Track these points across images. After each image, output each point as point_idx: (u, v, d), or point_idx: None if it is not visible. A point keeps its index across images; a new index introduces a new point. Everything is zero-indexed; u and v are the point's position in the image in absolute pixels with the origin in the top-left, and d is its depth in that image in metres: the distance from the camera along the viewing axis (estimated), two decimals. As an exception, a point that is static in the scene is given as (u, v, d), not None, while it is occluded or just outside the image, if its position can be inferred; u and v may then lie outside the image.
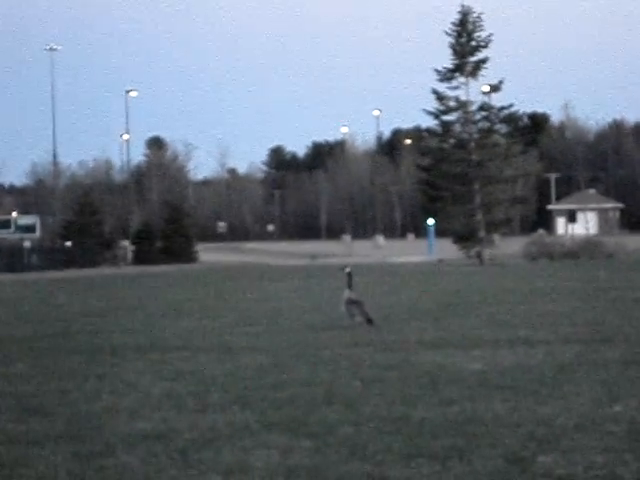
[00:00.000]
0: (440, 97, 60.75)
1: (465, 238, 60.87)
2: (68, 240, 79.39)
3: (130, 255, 79.94)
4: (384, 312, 19.20)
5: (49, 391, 10.69)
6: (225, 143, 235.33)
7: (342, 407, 9.11)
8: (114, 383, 11.14)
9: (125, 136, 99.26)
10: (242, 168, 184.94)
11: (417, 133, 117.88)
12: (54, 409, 9.55)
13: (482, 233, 59.81)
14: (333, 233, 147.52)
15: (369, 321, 16.30)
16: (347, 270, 17.08)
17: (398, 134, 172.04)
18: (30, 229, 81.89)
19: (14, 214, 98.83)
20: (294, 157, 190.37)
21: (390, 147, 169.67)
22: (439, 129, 62.94)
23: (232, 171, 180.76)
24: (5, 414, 9.37)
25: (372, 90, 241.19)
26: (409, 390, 9.96)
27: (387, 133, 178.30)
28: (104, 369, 12.41)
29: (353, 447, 7.50)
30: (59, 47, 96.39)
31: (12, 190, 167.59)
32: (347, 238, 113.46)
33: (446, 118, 61.75)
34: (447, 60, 60.85)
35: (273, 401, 9.55)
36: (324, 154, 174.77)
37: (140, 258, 77.99)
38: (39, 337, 17.13)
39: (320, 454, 7.36)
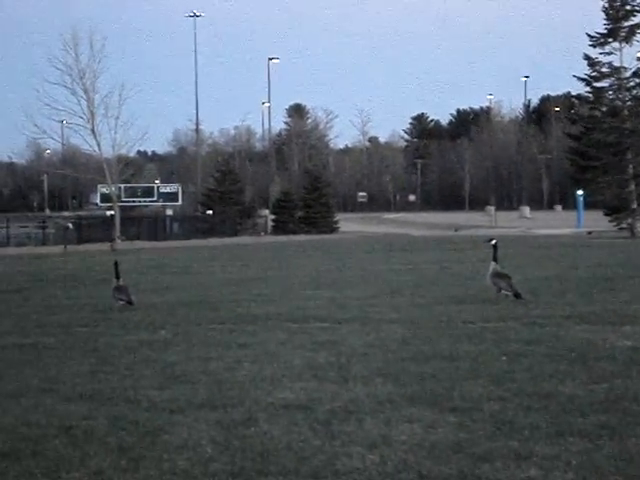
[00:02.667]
0: (592, 63, 58.94)
1: (616, 210, 59.21)
2: (209, 208, 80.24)
3: (270, 224, 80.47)
4: (531, 285, 18.79)
5: (192, 359, 10.82)
6: (366, 111, 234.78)
7: (487, 382, 8.92)
8: (255, 352, 11.20)
9: (266, 104, 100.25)
10: (383, 136, 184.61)
11: (567, 100, 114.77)
12: (197, 377, 9.64)
13: (635, 205, 58.07)
14: (476, 204, 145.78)
15: (516, 295, 15.93)
16: (493, 242, 16.71)
17: (547, 101, 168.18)
18: (172, 197, 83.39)
19: (157, 182, 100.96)
20: (437, 125, 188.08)
21: (538, 115, 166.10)
22: (591, 96, 61.13)
23: (373, 140, 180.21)
24: (149, 381, 9.52)
25: (520, 56, 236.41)
26: (557, 366, 9.67)
27: (535, 100, 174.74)
28: (245, 338, 12.50)
29: (499, 423, 7.34)
30: (202, 14, 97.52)
31: (154, 157, 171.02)
32: (491, 209, 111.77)
33: (598, 85, 59.92)
34: (600, 25, 59.15)
35: (416, 374, 9.40)
36: (468, 122, 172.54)
37: (280, 227, 78.48)
38: (181, 305, 17.42)
39: (465, 429, 7.21)
